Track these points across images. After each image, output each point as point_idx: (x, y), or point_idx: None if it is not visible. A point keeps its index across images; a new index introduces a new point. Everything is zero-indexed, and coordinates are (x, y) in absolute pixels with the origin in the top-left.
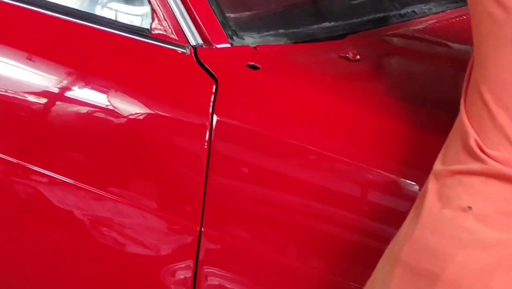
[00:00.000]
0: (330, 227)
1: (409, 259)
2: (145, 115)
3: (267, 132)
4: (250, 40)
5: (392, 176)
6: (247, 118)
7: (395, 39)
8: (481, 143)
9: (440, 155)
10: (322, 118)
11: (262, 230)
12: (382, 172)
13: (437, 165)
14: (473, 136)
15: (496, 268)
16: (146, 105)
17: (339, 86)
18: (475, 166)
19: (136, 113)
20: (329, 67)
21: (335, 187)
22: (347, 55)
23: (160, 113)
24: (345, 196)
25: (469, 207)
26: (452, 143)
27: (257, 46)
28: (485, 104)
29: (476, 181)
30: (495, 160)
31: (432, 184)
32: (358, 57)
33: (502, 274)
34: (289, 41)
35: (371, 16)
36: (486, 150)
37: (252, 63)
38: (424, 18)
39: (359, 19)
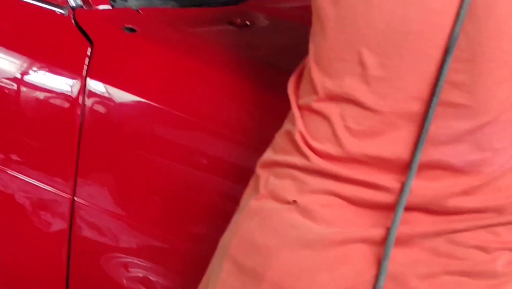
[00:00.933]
0: (208, 193)
1: (237, 254)
2: (19, 77)
3: (136, 95)
4: (133, 2)
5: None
6: (118, 81)
7: (295, 7)
8: (306, 136)
9: (273, 142)
10: (187, 82)
11: (135, 198)
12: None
13: (268, 152)
14: (298, 128)
15: (320, 268)
16: (20, 67)
17: (213, 51)
18: (299, 160)
19: (9, 75)
20: (211, 32)
21: (205, 150)
22: (235, 21)
23: (34, 75)
24: (210, 158)
25: (294, 201)
26: (283, 131)
27: (140, 8)
28: (316, 93)
29: (301, 174)
30: (318, 154)
31: (261, 172)
32: (247, 23)
33: (325, 274)
34: (176, 5)
35: None
36: (311, 143)
37: (130, 26)
38: None
39: None
